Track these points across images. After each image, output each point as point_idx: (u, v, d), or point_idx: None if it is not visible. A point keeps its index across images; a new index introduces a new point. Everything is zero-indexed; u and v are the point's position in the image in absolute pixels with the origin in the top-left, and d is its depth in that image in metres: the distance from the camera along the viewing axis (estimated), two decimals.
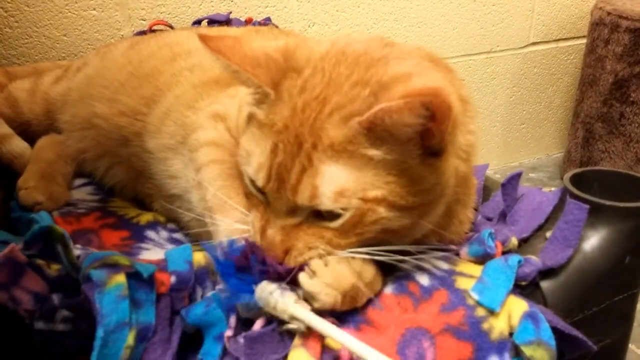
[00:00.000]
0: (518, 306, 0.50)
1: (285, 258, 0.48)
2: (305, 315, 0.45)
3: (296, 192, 0.46)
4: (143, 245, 0.68)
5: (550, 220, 0.57)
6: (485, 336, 0.49)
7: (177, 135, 0.67)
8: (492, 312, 0.50)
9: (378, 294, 0.52)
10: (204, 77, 0.72)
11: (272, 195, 0.48)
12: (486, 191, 0.69)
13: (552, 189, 0.60)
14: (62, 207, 0.76)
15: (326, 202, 0.46)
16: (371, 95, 0.45)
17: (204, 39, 0.48)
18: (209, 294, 0.51)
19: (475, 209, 0.68)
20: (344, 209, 0.46)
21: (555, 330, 0.48)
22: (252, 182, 0.50)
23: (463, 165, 0.54)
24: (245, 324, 0.48)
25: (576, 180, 0.56)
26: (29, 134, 0.87)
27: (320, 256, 0.48)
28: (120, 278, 0.45)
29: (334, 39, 0.53)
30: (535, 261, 0.54)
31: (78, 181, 0.85)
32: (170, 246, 0.68)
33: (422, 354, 0.47)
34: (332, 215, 0.47)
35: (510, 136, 1.75)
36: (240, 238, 0.51)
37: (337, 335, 0.43)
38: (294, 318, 0.45)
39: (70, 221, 0.72)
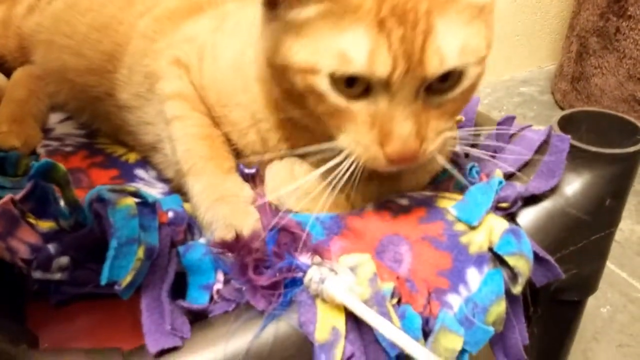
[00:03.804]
0: (499, 223, 0.51)
1: (420, 151, 0.44)
2: (354, 305, 0.42)
3: (424, 64, 0.41)
4: (133, 184, 0.68)
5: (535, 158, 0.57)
6: (463, 249, 0.49)
7: (144, 84, 0.65)
8: (470, 227, 0.50)
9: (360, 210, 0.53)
10: (155, 14, 0.66)
11: (398, 81, 0.41)
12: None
13: (541, 127, 0.60)
14: (46, 144, 0.74)
15: (451, 61, 0.41)
16: None
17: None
18: (202, 240, 0.52)
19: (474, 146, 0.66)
20: (463, 72, 0.43)
21: None
22: (355, 81, 0.43)
23: None
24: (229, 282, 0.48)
25: (565, 122, 0.56)
26: (6, 69, 0.84)
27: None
28: (129, 200, 0.46)
29: None
30: (518, 185, 0.53)
31: (60, 115, 0.83)
32: (160, 185, 0.69)
33: (400, 259, 0.47)
34: (452, 84, 0.44)
35: (503, 48, 1.70)
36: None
37: (388, 330, 0.41)
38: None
39: (58, 160, 0.71)
